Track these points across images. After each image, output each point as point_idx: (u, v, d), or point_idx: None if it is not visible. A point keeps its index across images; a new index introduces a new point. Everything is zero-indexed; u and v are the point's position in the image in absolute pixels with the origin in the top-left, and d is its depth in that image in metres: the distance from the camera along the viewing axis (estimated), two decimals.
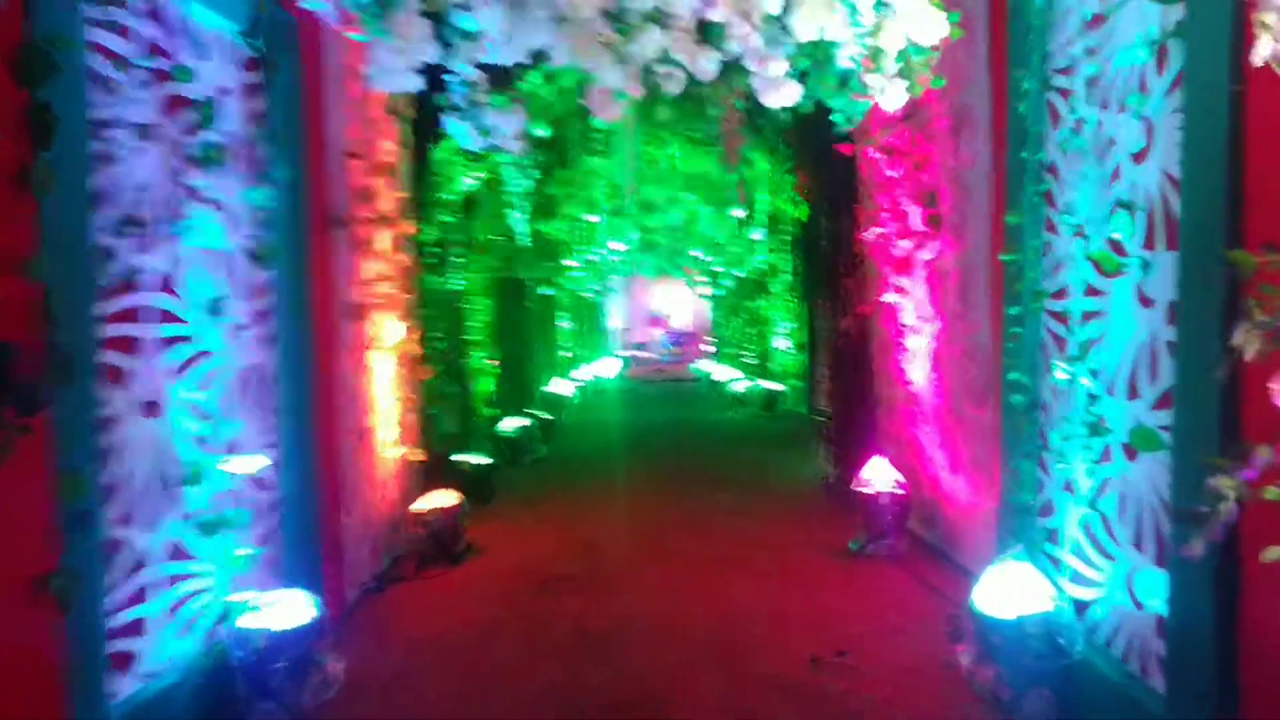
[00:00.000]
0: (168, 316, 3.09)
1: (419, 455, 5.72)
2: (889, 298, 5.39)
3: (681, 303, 32.07)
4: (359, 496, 5.05)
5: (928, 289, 5.01)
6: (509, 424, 8.99)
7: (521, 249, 9.75)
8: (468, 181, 7.17)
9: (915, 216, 5.03)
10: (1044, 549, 3.45)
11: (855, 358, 6.35)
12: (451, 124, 3.17)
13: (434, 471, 6.74)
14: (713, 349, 21.58)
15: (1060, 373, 3.22)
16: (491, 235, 8.78)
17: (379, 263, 5.24)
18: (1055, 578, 3.28)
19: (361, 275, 4.96)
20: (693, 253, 13.79)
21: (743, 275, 13.03)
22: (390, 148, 5.43)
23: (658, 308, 32.55)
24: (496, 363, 9.64)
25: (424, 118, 5.23)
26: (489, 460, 7.31)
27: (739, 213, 9.11)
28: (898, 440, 5.57)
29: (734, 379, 14.60)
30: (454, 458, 7.20)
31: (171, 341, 3.12)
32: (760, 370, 13.17)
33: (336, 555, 4.69)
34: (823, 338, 6.80)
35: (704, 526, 6.06)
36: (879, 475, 5.02)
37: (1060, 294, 3.43)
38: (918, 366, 5.17)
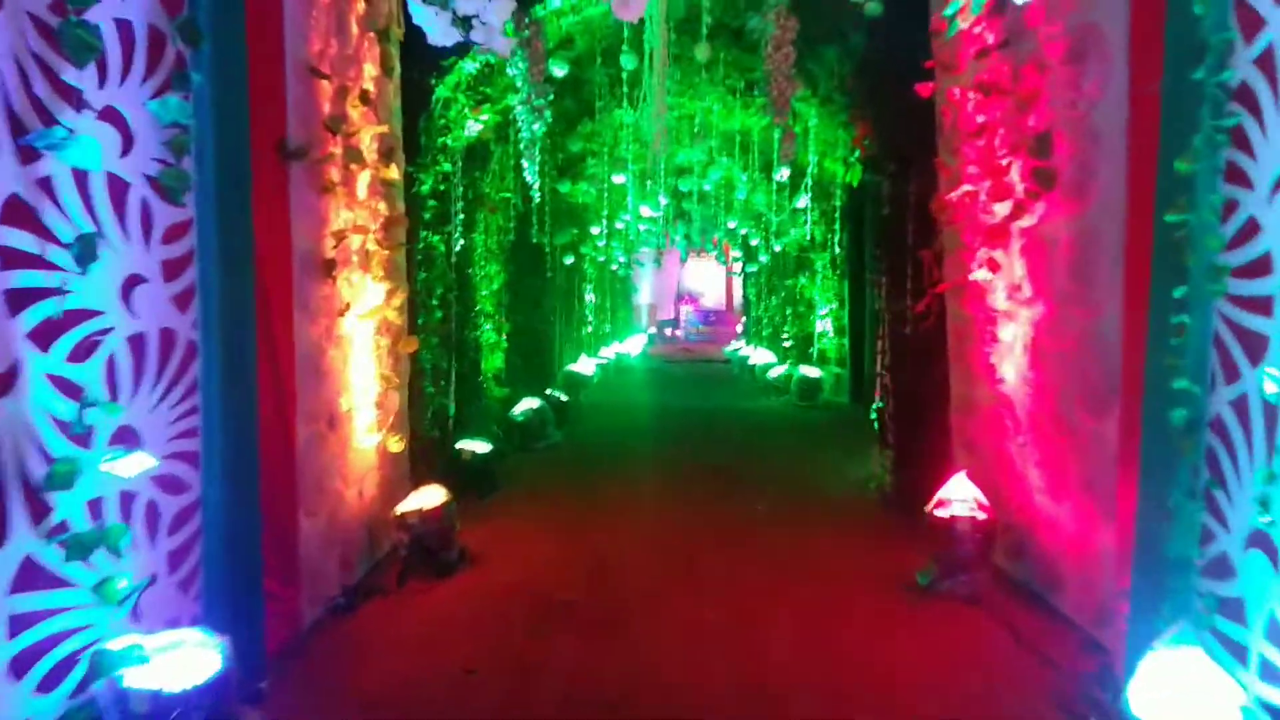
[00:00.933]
0: (24, 259, 2.27)
1: (398, 444, 4.90)
2: (977, 275, 4.44)
3: (713, 280, 31.10)
4: (326, 494, 4.23)
5: (1027, 263, 4.06)
6: (521, 406, 8.15)
7: (540, 210, 8.87)
8: (474, 127, 6.28)
9: (1015, 171, 4.08)
10: (1214, 626, 2.53)
11: (925, 346, 5.41)
12: (415, 6, 2.28)
13: (430, 460, 5.95)
14: (746, 330, 20.62)
15: (1271, 383, 2.28)
16: (505, 192, 7.90)
17: (355, 211, 4.39)
18: (1238, 673, 2.37)
19: (330, 224, 4.11)
20: (729, 224, 12.83)
21: (781, 249, 12.05)
22: (373, 73, 4.56)
23: (688, 284, 31.60)
24: (509, 337, 8.81)
25: (416, 41, 4.35)
26: (492, 448, 6.48)
27: (784, 173, 8.13)
28: (979, 450, 4.64)
29: (769, 364, 13.66)
30: (457, 445, 6.39)
31: (30, 294, 2.29)
32: (799, 355, 12.22)
33: (291, 567, 3.89)
34: (882, 321, 5.87)
35: (736, 542, 5.18)
36: (959, 494, 4.09)
37: (1253, 270, 2.48)
38: (1011, 361, 4.23)
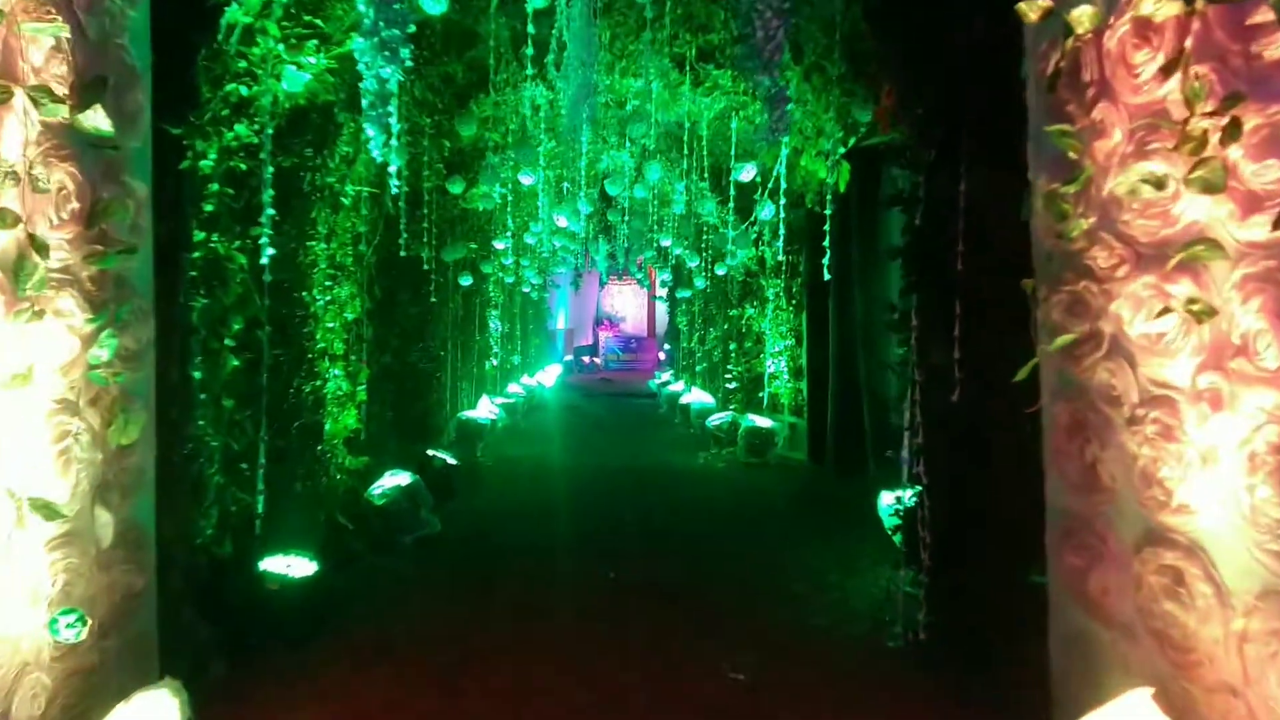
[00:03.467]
0: None
1: (131, 579, 2.79)
2: (1138, 326, 2.64)
3: (634, 303, 29.45)
4: None
5: (1269, 307, 2.30)
6: (384, 483, 6.02)
7: (423, 216, 6.82)
8: (298, 77, 4.22)
9: (1241, 157, 2.31)
10: None
11: (989, 424, 3.64)
12: None
13: (210, 599, 3.81)
14: (672, 360, 18.87)
15: None
16: (361, 185, 5.83)
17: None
18: None
19: None
20: (663, 242, 11.00)
21: (726, 273, 10.29)
22: None
23: (608, 308, 29.83)
24: (372, 384, 6.70)
25: None
26: (319, 566, 4.36)
27: (748, 173, 6.33)
28: (1118, 617, 2.82)
29: (707, 406, 11.82)
30: (261, 565, 4.24)
31: None
32: (746, 400, 10.43)
33: None
34: (911, 381, 4.05)
35: None
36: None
37: None
38: (1212, 479, 2.44)
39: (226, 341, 4.08)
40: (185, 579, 3.57)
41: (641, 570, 5.52)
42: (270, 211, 4.04)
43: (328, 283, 5.59)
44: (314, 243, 5.20)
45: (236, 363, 4.10)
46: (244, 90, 3.87)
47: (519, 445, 11.06)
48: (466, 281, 9.69)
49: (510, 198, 8.94)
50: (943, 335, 3.84)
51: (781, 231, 6.25)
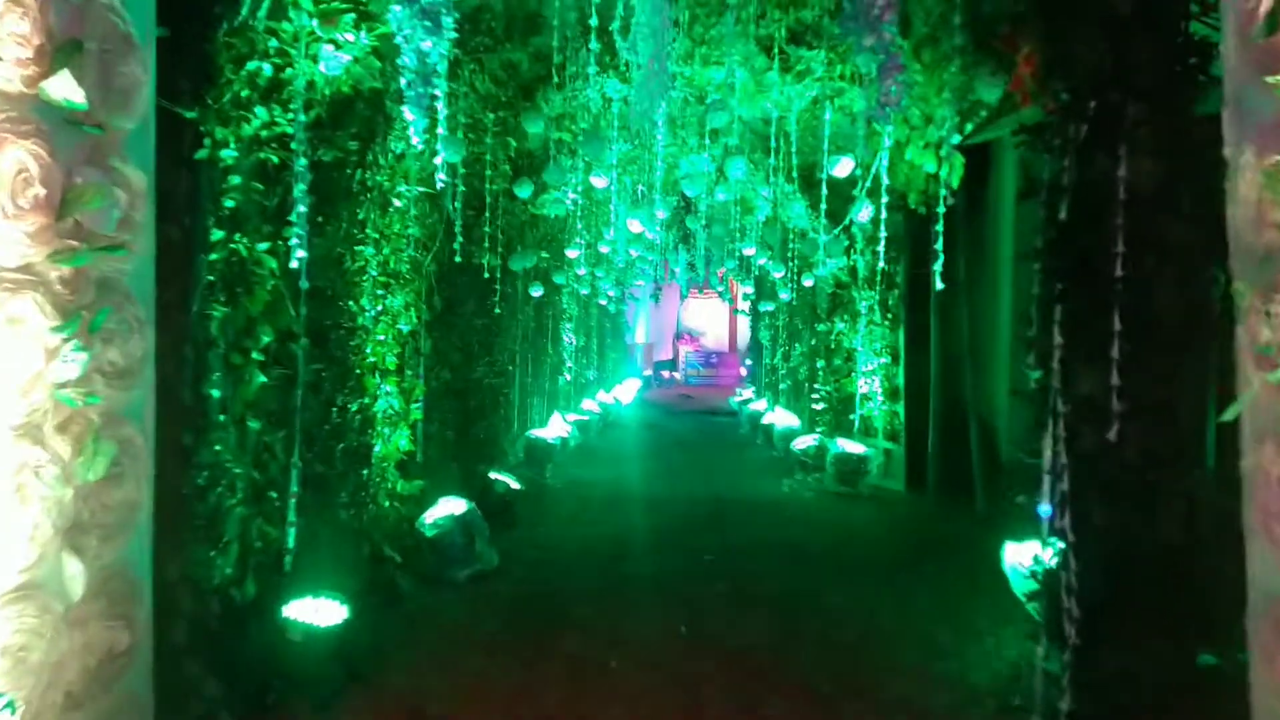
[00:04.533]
0: None
1: (104, 632, 2.35)
2: None
3: (715, 317, 28.83)
4: None
5: None
6: (436, 512, 5.57)
7: (487, 220, 6.40)
8: (336, 58, 3.80)
9: None
10: None
11: (1159, 471, 2.93)
12: None
13: (221, 656, 3.38)
14: (753, 377, 18.18)
15: None
16: (419, 185, 5.41)
17: None
18: None
19: None
20: (746, 250, 10.37)
21: (813, 283, 9.58)
22: None
23: (689, 322, 29.29)
24: (431, 401, 6.28)
25: None
26: (351, 612, 3.89)
27: (845, 166, 5.66)
28: None
29: (791, 429, 11.10)
30: (284, 611, 3.79)
31: None
32: (834, 422, 9.68)
33: None
34: (1052, 413, 3.33)
35: None
36: None
37: None
38: None
39: (254, 355, 3.67)
40: (191, 628, 3.15)
41: (720, 625, 4.87)
42: (303, 209, 3.62)
43: (379, 292, 5.19)
44: (363, 247, 4.80)
45: (264, 379, 3.69)
46: (271, 71, 3.46)
47: (591, 466, 10.56)
48: (537, 292, 9.28)
49: (582, 202, 8.49)
50: (1096, 358, 3.13)
51: (882, 234, 5.56)
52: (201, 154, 3.16)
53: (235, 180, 3.40)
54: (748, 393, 18.29)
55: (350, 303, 4.76)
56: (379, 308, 5.21)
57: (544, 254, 8.98)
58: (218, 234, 3.35)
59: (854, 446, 8.97)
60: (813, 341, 10.74)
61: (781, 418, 11.95)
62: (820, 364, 10.27)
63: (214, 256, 3.36)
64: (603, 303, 15.45)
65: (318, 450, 4.45)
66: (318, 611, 3.73)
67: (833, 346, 9.90)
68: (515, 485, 7.09)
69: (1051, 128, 3.27)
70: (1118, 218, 3.05)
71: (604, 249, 9.72)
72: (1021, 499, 3.52)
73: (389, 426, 5.48)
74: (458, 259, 6.03)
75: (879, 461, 9.03)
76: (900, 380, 8.89)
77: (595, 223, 8.75)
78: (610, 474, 10.17)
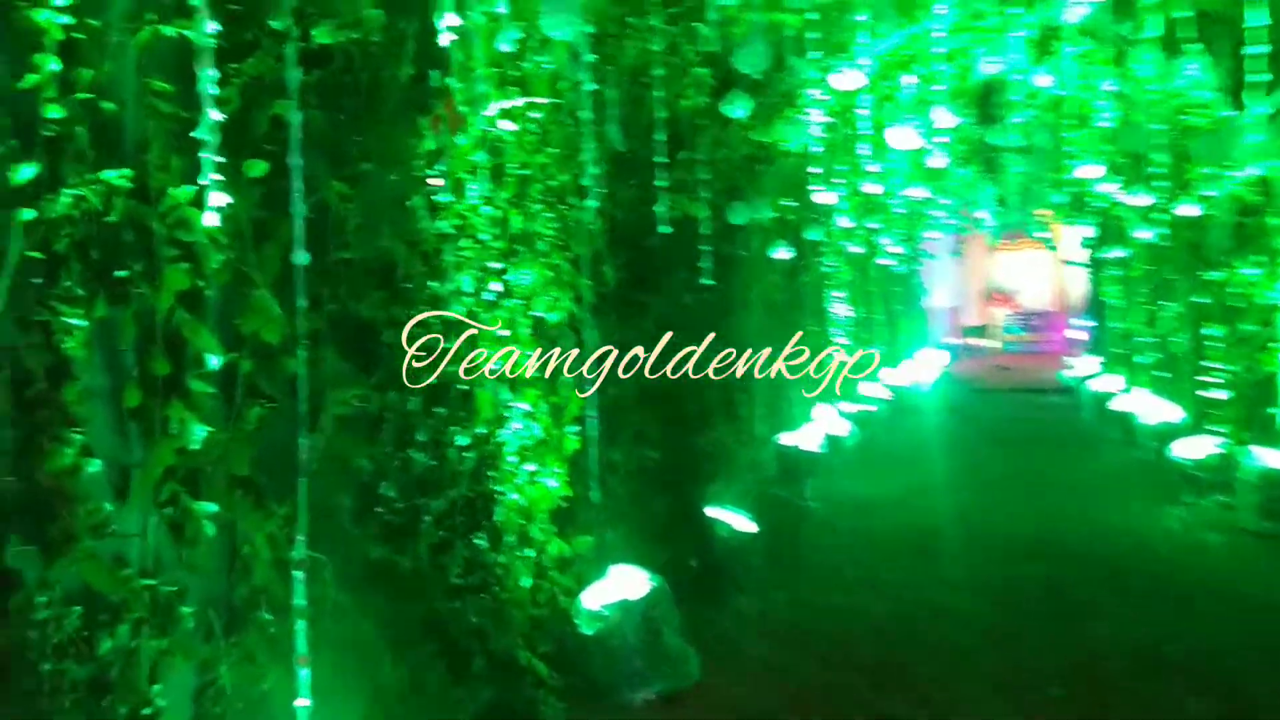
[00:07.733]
0: None
1: None
2: None
3: (1034, 271, 24.71)
4: None
5: None
6: (599, 595, 3.83)
7: (654, 145, 4.51)
8: None
9: None
10: None
11: None
12: None
13: None
14: (1096, 345, 14.69)
15: None
16: (531, 90, 3.65)
17: None
18: None
19: None
20: (1081, 169, 7.56)
21: (1202, 210, 6.62)
22: None
23: (999, 279, 25.39)
24: (603, 411, 4.57)
25: None
26: None
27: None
28: None
29: (1167, 424, 8.10)
30: None
31: None
32: (1244, 418, 6.65)
33: None
34: None
35: None
36: None
37: None
38: None
39: (194, 385, 2.16)
40: None
41: None
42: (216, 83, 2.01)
43: (495, 264, 3.56)
44: (443, 195, 3.17)
45: (203, 431, 2.16)
46: None
47: (872, 478, 8.32)
48: (783, 253, 7.28)
49: (837, 124, 6.36)
50: None
51: None
52: None
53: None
54: (1083, 364, 14.83)
55: (433, 283, 3.17)
56: (498, 288, 3.58)
57: (789, 200, 6.97)
58: (31, 170, 1.84)
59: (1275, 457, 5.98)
60: (1196, 297, 7.67)
61: (1146, 404, 8.91)
62: (1212, 329, 7.23)
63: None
64: (886, 262, 12.98)
65: (386, 522, 2.92)
66: None
67: (1235, 304, 6.83)
68: (747, 525, 5.21)
69: None
70: None
71: (871, 188, 7.45)
72: None
73: (535, 460, 3.86)
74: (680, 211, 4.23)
75: None
76: None
77: (852, 155, 6.53)
78: (897, 491, 7.86)
